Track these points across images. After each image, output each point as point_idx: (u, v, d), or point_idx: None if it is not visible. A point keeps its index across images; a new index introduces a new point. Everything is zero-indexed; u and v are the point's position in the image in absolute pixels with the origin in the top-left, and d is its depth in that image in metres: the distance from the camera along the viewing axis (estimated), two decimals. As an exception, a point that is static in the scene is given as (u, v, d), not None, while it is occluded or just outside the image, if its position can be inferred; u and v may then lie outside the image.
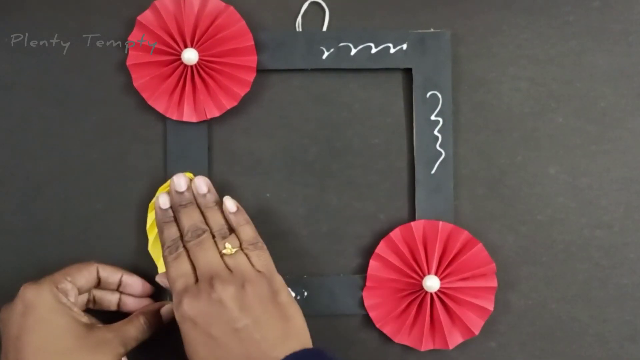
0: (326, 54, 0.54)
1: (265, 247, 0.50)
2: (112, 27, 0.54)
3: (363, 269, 0.55)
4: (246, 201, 0.55)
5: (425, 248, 0.53)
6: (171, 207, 0.51)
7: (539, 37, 0.56)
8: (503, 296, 0.55)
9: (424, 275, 0.53)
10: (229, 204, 0.51)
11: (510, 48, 0.56)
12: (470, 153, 0.56)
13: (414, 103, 0.55)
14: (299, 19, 0.55)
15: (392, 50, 0.54)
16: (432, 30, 0.55)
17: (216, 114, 0.53)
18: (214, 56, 0.52)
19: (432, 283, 0.52)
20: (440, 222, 0.54)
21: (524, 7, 0.56)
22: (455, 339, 0.53)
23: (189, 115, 0.53)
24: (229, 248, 0.48)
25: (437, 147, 0.55)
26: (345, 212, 0.55)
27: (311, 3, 0.55)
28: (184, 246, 0.49)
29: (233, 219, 0.50)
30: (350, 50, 0.54)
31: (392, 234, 0.54)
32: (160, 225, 0.50)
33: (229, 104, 0.53)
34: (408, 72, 0.55)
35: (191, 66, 0.52)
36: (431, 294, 0.53)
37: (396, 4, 0.56)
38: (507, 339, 0.55)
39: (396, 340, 0.53)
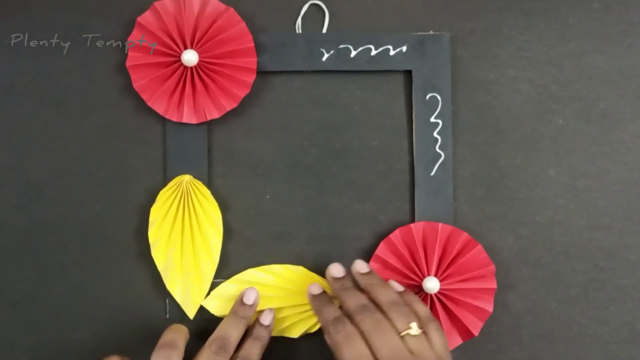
0: (326, 55, 0.54)
1: (440, 324, 0.47)
2: (112, 28, 0.54)
3: (363, 271, 0.55)
4: (246, 203, 0.55)
5: (425, 249, 0.53)
6: (346, 276, 0.50)
7: (538, 39, 0.56)
8: (502, 298, 0.55)
9: (424, 276, 0.53)
10: (395, 285, 0.50)
11: (510, 50, 0.56)
12: (470, 155, 0.56)
13: (413, 105, 0.55)
14: (299, 20, 0.55)
15: (392, 53, 0.54)
16: (431, 32, 0.55)
17: (216, 115, 0.53)
18: (214, 57, 0.52)
19: (431, 285, 0.52)
20: (440, 224, 0.54)
21: (524, 9, 0.56)
22: (454, 340, 0.53)
23: (188, 116, 0.53)
24: (414, 328, 0.45)
25: (437, 148, 0.55)
26: (345, 213, 0.55)
27: (311, 5, 0.55)
28: (353, 324, 0.46)
29: (404, 297, 0.49)
30: (350, 52, 0.54)
31: (391, 236, 0.54)
32: (317, 310, 0.49)
33: (229, 105, 0.53)
34: (408, 74, 0.55)
35: (191, 67, 0.52)
36: (431, 295, 0.53)
37: (396, 6, 0.56)
38: (506, 340, 0.55)
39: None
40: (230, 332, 0.50)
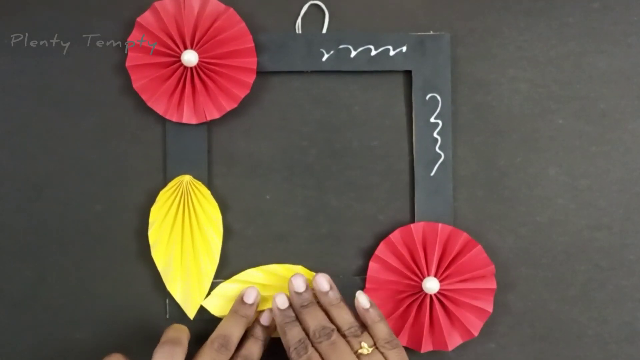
0: (326, 56, 0.54)
1: (400, 344, 0.49)
2: (112, 28, 0.54)
3: (363, 271, 0.55)
4: (246, 203, 0.55)
5: (425, 250, 0.53)
6: (290, 307, 0.50)
7: (538, 39, 0.56)
8: (502, 298, 0.55)
9: (424, 277, 0.53)
10: (363, 300, 0.50)
11: (510, 50, 0.56)
12: (470, 155, 0.56)
13: (413, 105, 0.55)
14: (299, 21, 0.55)
15: (391, 53, 0.54)
16: (431, 32, 0.55)
17: (216, 115, 0.53)
18: (213, 58, 0.52)
19: (431, 285, 0.52)
20: (440, 224, 0.54)
21: (524, 9, 0.56)
22: (454, 341, 0.53)
23: (188, 117, 0.53)
24: (365, 347, 0.47)
25: (437, 149, 0.55)
26: (345, 213, 0.55)
27: (311, 5, 0.55)
28: (313, 347, 0.48)
29: (367, 316, 0.49)
30: (350, 52, 0.54)
31: (391, 236, 0.54)
32: (282, 327, 0.50)
33: (228, 105, 0.53)
34: (408, 74, 0.55)
35: (191, 68, 0.52)
36: (431, 295, 0.53)
37: (396, 7, 0.56)
38: (506, 340, 0.55)
39: (395, 342, 0.53)
40: (231, 330, 0.50)
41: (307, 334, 0.49)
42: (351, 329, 0.49)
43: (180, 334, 0.49)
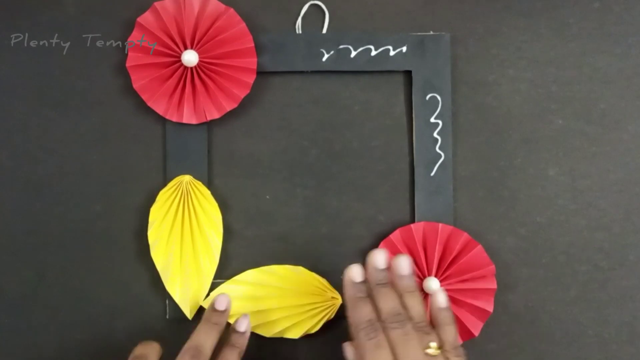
0: (326, 56, 0.54)
1: (466, 353, 0.46)
2: (112, 28, 0.55)
3: (363, 271, 0.55)
4: (246, 203, 0.55)
5: (425, 250, 0.54)
6: (364, 281, 0.47)
7: (538, 39, 0.56)
8: (503, 298, 0.55)
9: (424, 277, 0.53)
10: (442, 298, 0.48)
11: (510, 50, 0.56)
12: (470, 155, 0.56)
13: (413, 105, 0.55)
14: (299, 21, 0.55)
15: (391, 53, 0.54)
16: (431, 32, 0.55)
17: (216, 115, 0.53)
18: (214, 58, 0.52)
19: (432, 285, 0.52)
20: (440, 224, 0.54)
21: (524, 9, 0.56)
22: (454, 341, 0.53)
23: (188, 117, 0.53)
24: (434, 347, 0.44)
25: (437, 149, 0.55)
26: (345, 213, 0.55)
27: (311, 5, 0.55)
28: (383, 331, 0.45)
29: (439, 315, 0.47)
30: (350, 52, 0.54)
31: (392, 236, 0.54)
32: (353, 301, 0.46)
33: (229, 105, 0.53)
34: (408, 74, 0.55)
35: (191, 68, 0.52)
36: (431, 295, 0.53)
37: (396, 7, 0.56)
38: (506, 340, 0.55)
39: (396, 342, 0.53)
40: (203, 340, 0.48)
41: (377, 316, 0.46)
42: (422, 324, 0.45)
43: (148, 350, 0.47)
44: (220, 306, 0.50)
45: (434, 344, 0.45)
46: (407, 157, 0.56)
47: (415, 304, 0.46)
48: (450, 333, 0.46)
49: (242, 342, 0.50)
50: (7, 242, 0.54)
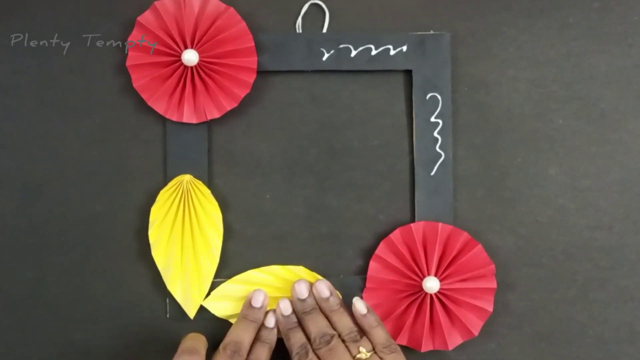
0: (326, 55, 0.54)
1: (399, 348, 0.50)
2: (112, 28, 0.54)
3: (363, 270, 0.55)
4: (246, 202, 0.55)
5: (425, 249, 0.53)
6: (294, 312, 0.51)
7: (538, 39, 0.56)
8: (502, 297, 0.55)
9: (424, 276, 0.53)
10: (360, 306, 0.51)
11: (510, 50, 0.56)
12: (470, 154, 0.56)
13: (413, 105, 0.55)
14: (299, 20, 0.55)
15: (392, 52, 0.54)
16: (432, 32, 0.55)
17: (216, 115, 0.53)
18: (214, 57, 0.52)
19: (432, 284, 0.52)
20: (440, 224, 0.54)
21: (524, 9, 0.56)
22: (454, 340, 0.53)
23: (189, 116, 0.53)
24: (363, 352, 0.48)
25: (437, 148, 0.55)
26: (345, 213, 0.55)
27: (311, 5, 0.55)
28: (314, 352, 0.49)
29: (364, 321, 0.51)
30: (350, 52, 0.54)
31: (392, 235, 0.54)
32: (285, 332, 0.51)
33: (229, 105, 0.53)
34: (408, 73, 0.55)
35: (191, 67, 0.52)
36: (431, 295, 0.53)
37: (396, 6, 0.56)
38: (506, 340, 0.55)
39: (396, 341, 0.53)
40: (242, 336, 0.50)
41: (308, 339, 0.50)
42: (350, 334, 0.49)
43: (197, 343, 0.49)
44: (257, 303, 0.51)
45: (363, 349, 0.48)
46: (407, 156, 0.56)
47: (340, 319, 0.51)
48: (378, 334, 0.50)
49: (272, 338, 0.51)
50: (7, 242, 0.54)
